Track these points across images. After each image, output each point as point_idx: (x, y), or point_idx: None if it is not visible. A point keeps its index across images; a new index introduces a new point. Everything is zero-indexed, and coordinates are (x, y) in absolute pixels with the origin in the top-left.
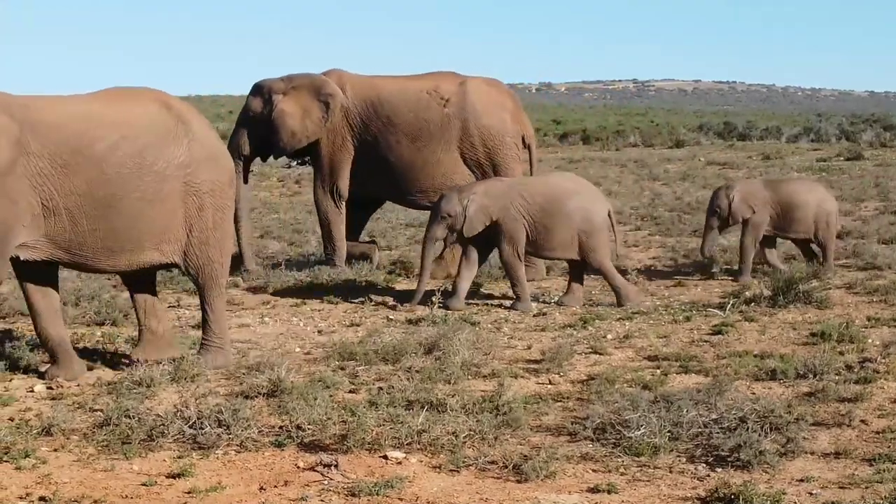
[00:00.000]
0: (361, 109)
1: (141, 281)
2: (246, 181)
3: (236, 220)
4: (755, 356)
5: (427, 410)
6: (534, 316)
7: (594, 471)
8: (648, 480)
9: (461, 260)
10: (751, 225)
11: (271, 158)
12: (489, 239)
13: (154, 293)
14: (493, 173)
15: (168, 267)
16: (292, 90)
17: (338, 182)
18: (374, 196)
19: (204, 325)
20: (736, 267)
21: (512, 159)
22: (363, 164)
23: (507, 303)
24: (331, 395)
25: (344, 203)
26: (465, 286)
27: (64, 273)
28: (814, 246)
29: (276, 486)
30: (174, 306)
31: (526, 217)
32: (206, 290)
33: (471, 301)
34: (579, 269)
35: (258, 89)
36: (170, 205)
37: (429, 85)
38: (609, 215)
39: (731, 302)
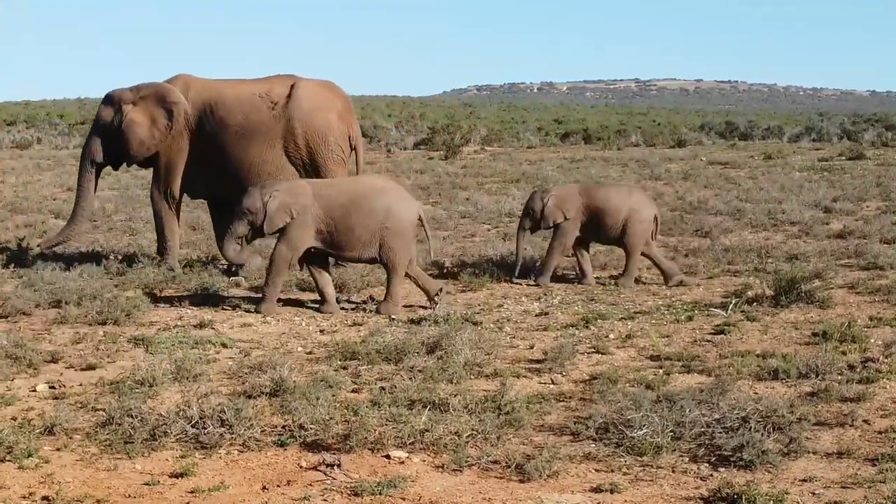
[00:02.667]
0: (200, 113)
1: None
2: (96, 189)
3: None
4: (757, 356)
5: (430, 410)
6: (536, 315)
7: (597, 470)
8: (651, 480)
9: (313, 271)
10: (561, 230)
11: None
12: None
13: None
14: (315, 173)
15: None
16: (140, 100)
17: (172, 184)
18: (211, 197)
19: None
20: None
21: (333, 160)
22: (199, 166)
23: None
24: (333, 395)
25: (176, 203)
26: (329, 290)
27: (66, 273)
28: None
29: (278, 486)
30: (176, 305)
31: (326, 218)
32: None
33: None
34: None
35: (109, 99)
36: None
37: (263, 88)
38: (420, 217)
39: (733, 302)
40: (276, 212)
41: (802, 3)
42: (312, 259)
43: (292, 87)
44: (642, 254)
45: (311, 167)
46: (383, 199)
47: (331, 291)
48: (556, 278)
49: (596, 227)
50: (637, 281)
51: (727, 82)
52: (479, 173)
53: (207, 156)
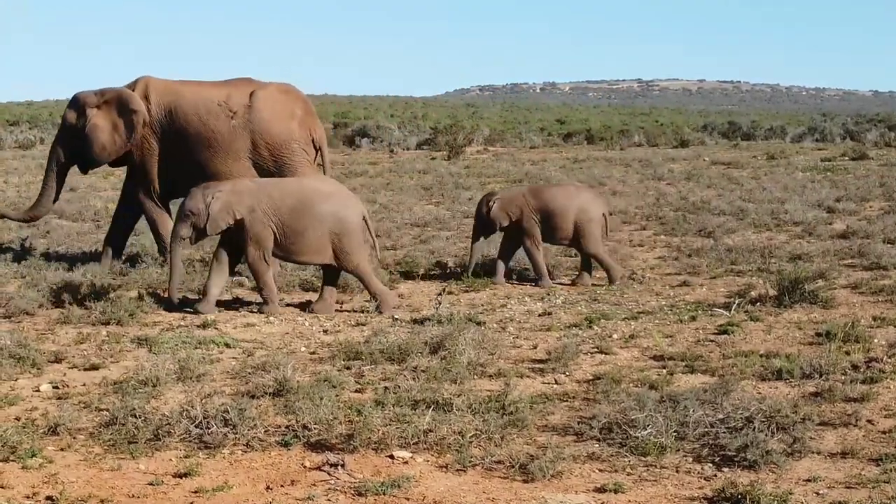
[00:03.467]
0: (162, 117)
1: None
2: (60, 188)
3: None
4: (761, 356)
5: (433, 410)
6: (539, 315)
7: (601, 470)
8: (655, 480)
9: (212, 263)
10: (522, 230)
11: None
12: (239, 241)
13: None
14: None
15: None
16: (104, 104)
17: (152, 183)
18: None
19: None
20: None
21: (299, 164)
22: (167, 170)
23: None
24: (337, 395)
25: (163, 200)
26: (215, 291)
27: (69, 274)
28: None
29: (282, 486)
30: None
31: (273, 219)
32: None
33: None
34: (332, 274)
35: (74, 102)
36: None
37: (221, 95)
38: (364, 219)
39: (736, 302)
40: (219, 213)
41: (805, 4)
42: (222, 254)
43: (251, 95)
44: (586, 252)
45: (277, 174)
46: (329, 204)
47: (216, 293)
48: (525, 277)
49: (547, 229)
50: (639, 281)
51: (730, 82)
52: (482, 174)
53: (176, 160)
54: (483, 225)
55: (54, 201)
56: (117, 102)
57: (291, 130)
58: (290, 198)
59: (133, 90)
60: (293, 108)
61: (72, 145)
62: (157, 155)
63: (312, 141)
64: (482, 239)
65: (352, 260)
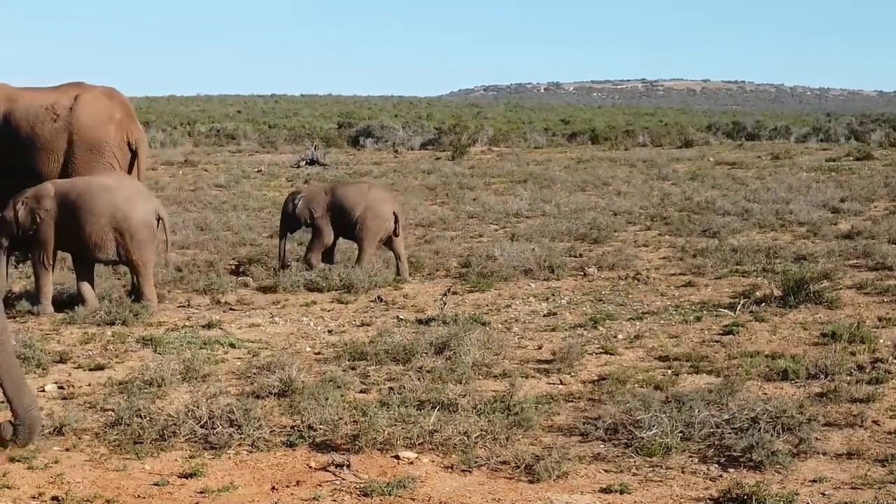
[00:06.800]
0: (1, 123)
1: None
2: None
3: None
4: (766, 356)
5: (438, 410)
6: (544, 316)
7: (606, 471)
8: (661, 481)
9: (77, 271)
10: (315, 228)
11: (285, 158)
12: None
13: None
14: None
15: None
16: None
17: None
18: None
19: None
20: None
21: (110, 166)
22: (9, 176)
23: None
24: (342, 395)
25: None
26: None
27: (73, 273)
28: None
29: (288, 486)
30: (183, 306)
31: (60, 217)
32: None
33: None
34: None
35: None
36: None
37: (50, 99)
38: (158, 217)
39: (741, 302)
40: (26, 218)
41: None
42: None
43: (75, 98)
44: (388, 246)
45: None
46: (109, 197)
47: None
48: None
49: (339, 225)
50: (643, 281)
51: (734, 82)
52: (487, 174)
53: (14, 166)
54: (289, 221)
55: None
56: None
57: (108, 132)
58: (76, 195)
59: None
60: (112, 111)
61: None
62: (2, 162)
63: (128, 145)
64: (288, 234)
65: (131, 256)
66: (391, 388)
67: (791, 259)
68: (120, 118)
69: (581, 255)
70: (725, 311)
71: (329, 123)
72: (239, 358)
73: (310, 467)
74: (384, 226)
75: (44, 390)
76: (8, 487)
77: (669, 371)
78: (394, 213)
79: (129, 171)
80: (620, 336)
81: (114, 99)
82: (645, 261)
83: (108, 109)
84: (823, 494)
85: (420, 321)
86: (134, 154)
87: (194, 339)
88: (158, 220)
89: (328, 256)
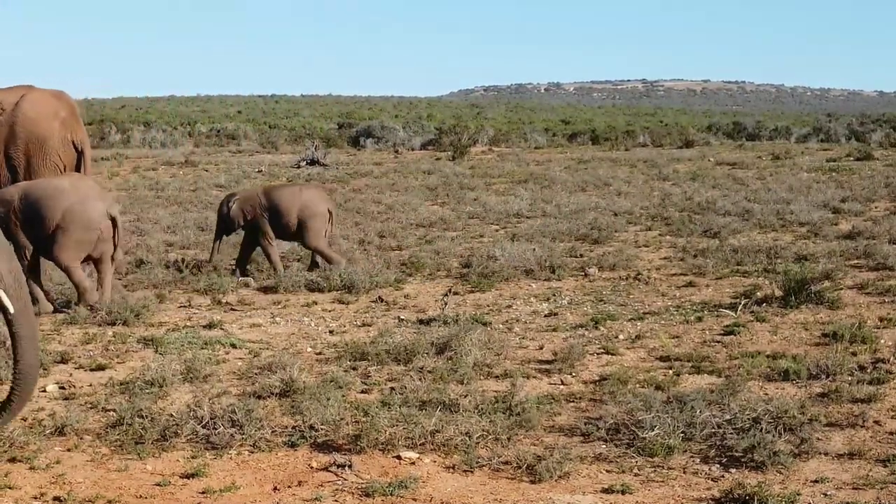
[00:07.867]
0: None
1: None
2: None
3: None
4: (767, 357)
5: (440, 411)
6: (545, 316)
7: (608, 471)
8: (662, 481)
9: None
10: (258, 229)
11: (287, 159)
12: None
13: None
14: (30, 177)
15: None
16: None
17: None
18: None
19: None
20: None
21: (48, 166)
22: None
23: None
24: (343, 396)
25: None
26: (37, 291)
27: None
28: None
29: (289, 487)
30: (185, 306)
31: (22, 218)
32: None
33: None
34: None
35: None
36: None
37: None
38: (112, 218)
39: (742, 302)
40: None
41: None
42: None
43: (22, 96)
44: (308, 246)
45: (26, 171)
46: (61, 198)
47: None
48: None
49: (277, 226)
50: (644, 282)
51: (734, 83)
52: (487, 174)
53: None
54: (224, 223)
55: None
56: None
57: (51, 129)
58: (33, 197)
59: None
60: (58, 109)
61: None
62: None
63: (72, 143)
64: (224, 236)
65: (57, 254)
66: (392, 389)
67: (792, 259)
68: (65, 117)
69: (582, 256)
70: (726, 311)
71: (329, 124)
72: (240, 358)
73: (311, 467)
74: (325, 224)
75: (45, 390)
76: (10, 487)
77: (671, 371)
78: (328, 211)
79: (77, 171)
80: (621, 336)
81: (61, 99)
82: (646, 261)
83: (53, 107)
84: (825, 495)
85: (421, 321)
86: (79, 154)
87: (195, 339)
88: (112, 221)
89: (245, 262)
